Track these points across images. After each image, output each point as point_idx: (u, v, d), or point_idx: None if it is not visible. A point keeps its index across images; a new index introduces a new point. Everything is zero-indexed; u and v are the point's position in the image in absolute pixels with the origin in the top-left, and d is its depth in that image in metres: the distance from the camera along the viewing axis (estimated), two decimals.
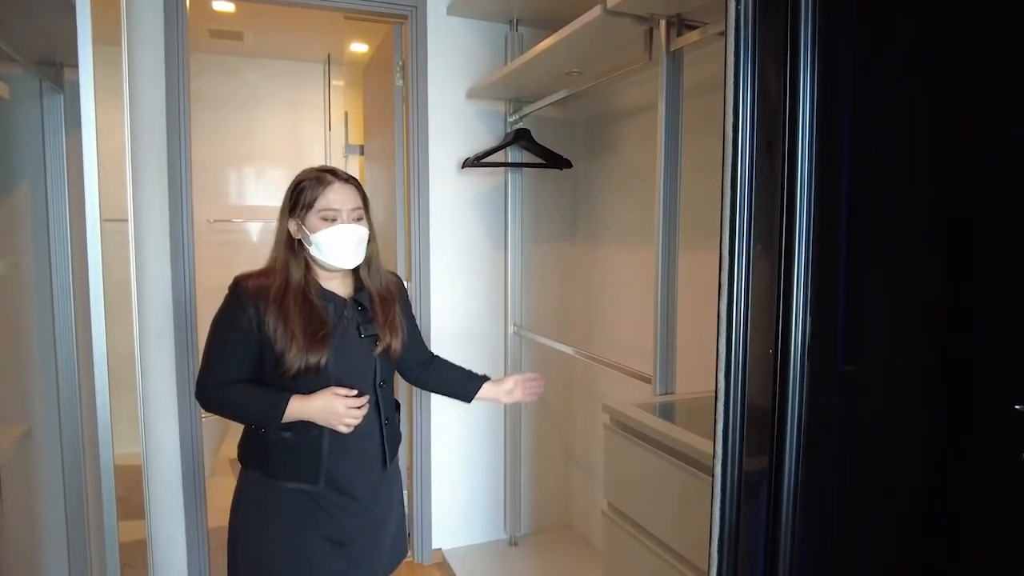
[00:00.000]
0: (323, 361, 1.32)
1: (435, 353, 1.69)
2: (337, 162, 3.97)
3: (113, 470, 1.49)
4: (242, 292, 1.34)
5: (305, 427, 1.35)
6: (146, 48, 2.07)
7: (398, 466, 1.56)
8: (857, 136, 0.92)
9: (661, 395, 1.66)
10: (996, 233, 0.89)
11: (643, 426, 1.42)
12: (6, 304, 1.88)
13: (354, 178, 1.41)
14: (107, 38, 1.57)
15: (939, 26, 0.92)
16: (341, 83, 4.02)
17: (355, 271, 1.44)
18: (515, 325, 2.59)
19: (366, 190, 1.43)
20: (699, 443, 1.23)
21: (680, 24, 1.56)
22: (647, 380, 1.72)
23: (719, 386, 0.95)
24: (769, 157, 0.91)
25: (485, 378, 1.64)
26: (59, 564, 2.00)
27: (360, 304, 1.42)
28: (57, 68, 1.89)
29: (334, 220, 1.34)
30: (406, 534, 1.59)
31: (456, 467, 2.62)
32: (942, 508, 0.97)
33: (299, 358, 1.30)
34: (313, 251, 1.35)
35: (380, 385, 1.42)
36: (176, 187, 2.12)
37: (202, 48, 3.67)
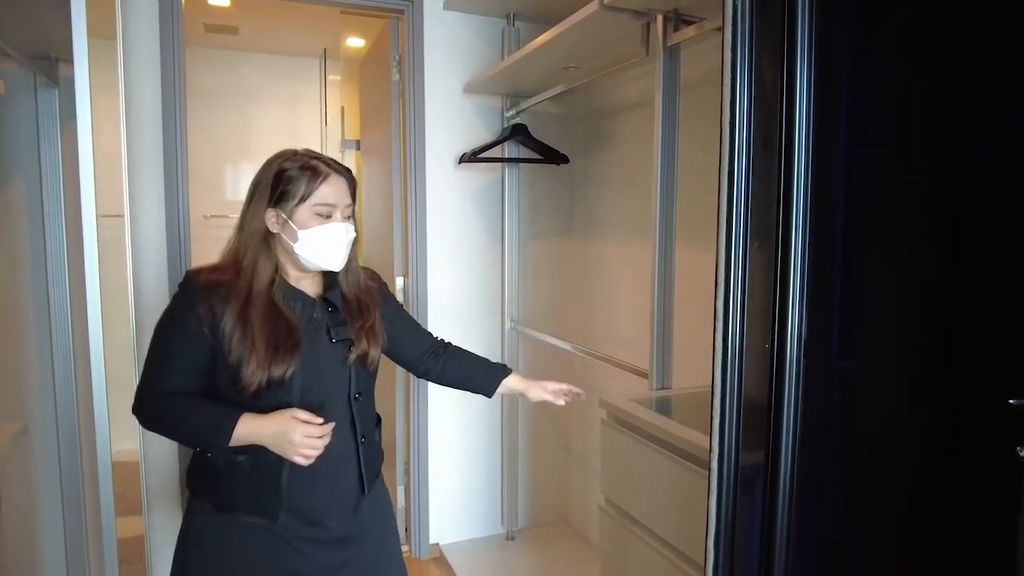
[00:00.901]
0: (288, 373, 1.13)
1: (446, 341, 1.51)
2: (333, 157, 3.96)
3: (111, 467, 1.49)
4: (193, 289, 1.15)
5: (260, 450, 1.14)
6: (141, 43, 2.05)
7: (384, 491, 1.36)
8: (854, 132, 0.92)
9: (658, 390, 1.66)
10: (992, 230, 0.90)
11: (640, 421, 1.43)
12: (2, 301, 1.87)
13: (347, 169, 1.25)
14: (101, 32, 1.56)
15: (936, 22, 0.92)
16: (337, 78, 4.01)
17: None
18: (512, 320, 2.59)
19: (362, 185, 1.31)
20: (696, 438, 1.24)
21: (677, 19, 1.56)
22: (644, 375, 1.72)
23: (715, 381, 0.95)
24: (766, 153, 0.91)
25: (506, 369, 1.47)
26: (56, 560, 2.00)
27: (331, 304, 1.24)
28: (52, 63, 1.88)
29: (328, 216, 1.19)
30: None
31: (453, 462, 2.62)
32: (938, 502, 0.97)
33: (259, 372, 1.11)
34: (297, 247, 1.17)
35: (356, 397, 1.24)
36: (172, 182, 2.11)
37: (197, 43, 3.65)
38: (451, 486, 2.62)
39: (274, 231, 1.20)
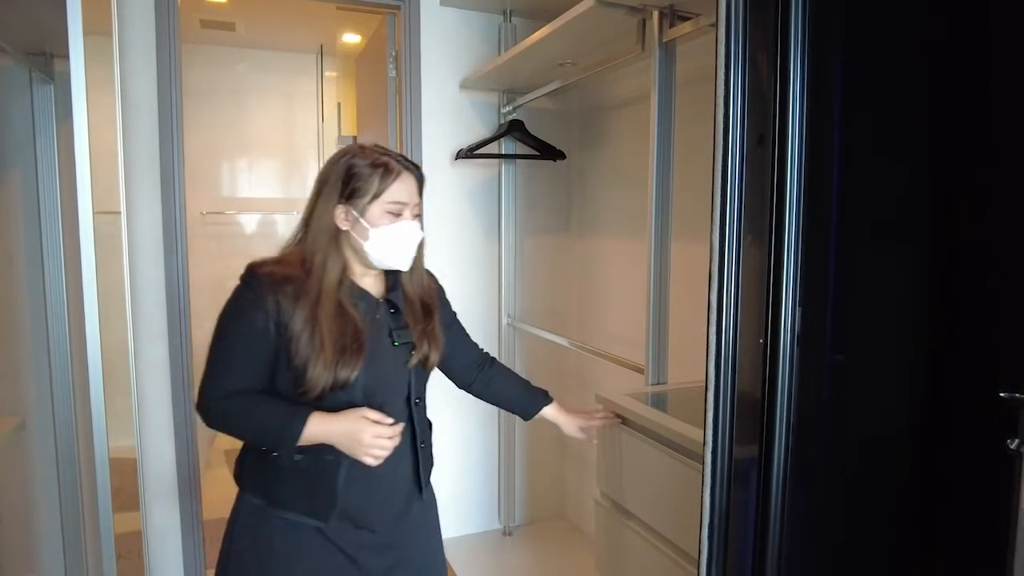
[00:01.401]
0: (353, 375, 1.11)
1: (491, 355, 1.50)
2: (330, 154, 3.96)
3: (108, 462, 1.49)
4: (259, 283, 1.11)
5: (318, 450, 1.13)
6: (136, 38, 2.05)
7: (434, 499, 1.33)
8: (847, 128, 0.93)
9: (654, 385, 1.67)
10: (984, 225, 0.90)
11: (636, 415, 1.43)
12: None
13: (417, 166, 1.21)
14: (97, 28, 1.56)
15: (931, 17, 0.92)
16: (334, 74, 4.01)
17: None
18: (508, 316, 2.60)
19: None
20: (691, 432, 1.24)
21: (673, 15, 1.56)
22: (640, 370, 1.73)
23: (709, 375, 0.96)
24: (760, 149, 0.91)
25: (547, 396, 1.47)
26: (54, 555, 2.01)
27: (393, 305, 1.22)
28: (47, 59, 1.87)
29: (399, 215, 1.16)
30: None
31: (450, 458, 2.63)
32: (930, 493, 0.98)
33: (325, 375, 1.09)
34: (367, 246, 1.14)
35: (416, 402, 1.23)
36: (168, 179, 2.11)
37: (193, 39, 3.64)
38: (448, 482, 2.63)
39: (343, 228, 1.16)
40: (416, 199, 1.19)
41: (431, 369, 1.26)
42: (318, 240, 1.14)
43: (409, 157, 2.42)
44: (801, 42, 0.88)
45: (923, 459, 1.00)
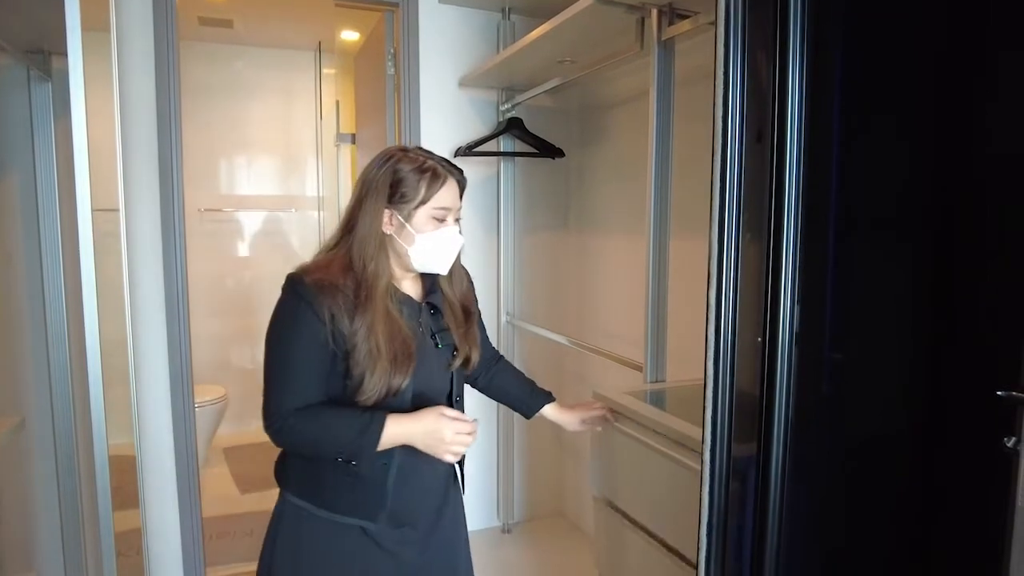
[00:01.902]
0: (405, 382, 1.11)
1: (500, 352, 1.52)
2: (328, 151, 3.95)
3: (108, 460, 1.49)
4: (311, 293, 1.07)
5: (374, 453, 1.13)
6: (134, 35, 2.05)
7: (461, 495, 1.38)
8: (846, 125, 0.93)
9: (652, 383, 1.68)
10: (982, 223, 0.91)
11: (635, 413, 1.44)
12: None
13: (460, 170, 1.20)
14: (95, 25, 1.55)
15: (930, 15, 0.92)
16: (332, 71, 4.00)
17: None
18: (508, 314, 2.60)
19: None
20: (689, 429, 1.25)
21: (672, 13, 1.56)
22: (638, 368, 1.73)
23: (708, 373, 0.96)
24: (758, 146, 0.91)
25: (549, 396, 1.48)
26: (54, 553, 2.01)
27: (434, 308, 1.23)
28: (45, 56, 1.87)
29: (443, 221, 1.16)
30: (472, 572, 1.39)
31: None
32: (927, 491, 0.99)
33: (383, 382, 1.08)
34: (412, 251, 1.14)
35: (456, 400, 1.26)
36: (167, 176, 2.11)
37: (191, 36, 3.64)
38: None
39: (387, 232, 1.16)
40: (459, 203, 1.19)
41: (472, 368, 1.28)
42: (366, 247, 1.12)
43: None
44: (800, 39, 0.88)
45: (921, 457, 1.00)
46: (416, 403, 1.15)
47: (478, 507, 2.71)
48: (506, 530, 2.69)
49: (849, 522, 1.00)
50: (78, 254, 1.41)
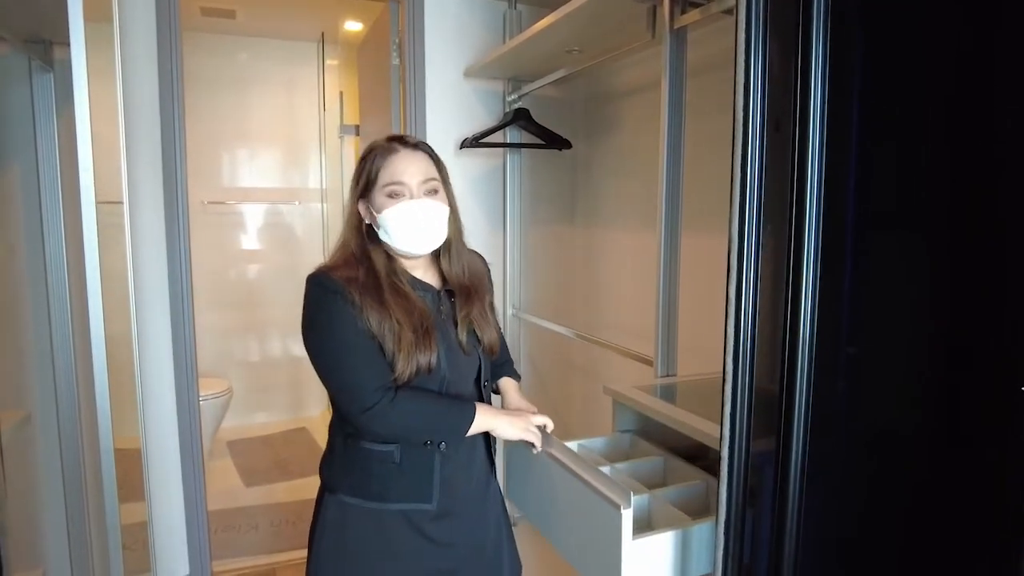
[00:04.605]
0: (434, 359, 1.13)
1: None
2: (332, 143, 3.92)
3: (113, 454, 1.49)
4: (337, 286, 1.11)
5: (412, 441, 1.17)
6: (137, 26, 2.02)
7: (498, 484, 1.39)
8: (869, 116, 0.91)
9: (663, 377, 1.66)
10: (1007, 216, 0.88)
11: (646, 408, 1.42)
12: (1, 289, 1.86)
13: (424, 143, 1.20)
14: (97, 15, 1.53)
15: (955, 7, 0.90)
16: (335, 62, 3.97)
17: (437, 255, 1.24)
18: (514, 307, 2.58)
19: None
20: (705, 426, 1.23)
21: (684, 2, 1.54)
22: (648, 362, 1.71)
23: (727, 369, 0.94)
24: (778, 136, 0.89)
25: (516, 375, 1.46)
26: (60, 547, 2.01)
27: (453, 295, 1.25)
28: (46, 46, 1.85)
29: (400, 195, 1.14)
30: (518, 556, 1.44)
31: None
32: (948, 490, 0.97)
33: (411, 360, 1.10)
34: (382, 235, 1.16)
35: (485, 384, 1.27)
36: (170, 168, 2.09)
37: (194, 26, 3.61)
38: None
39: (367, 222, 1.19)
40: (424, 174, 1.17)
41: (491, 350, 1.27)
42: (351, 237, 1.19)
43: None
44: (822, 27, 0.86)
45: (942, 453, 0.98)
46: (447, 387, 1.17)
47: None
48: (513, 523, 2.68)
49: (868, 519, 0.99)
50: (82, 247, 1.39)
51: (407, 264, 1.21)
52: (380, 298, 1.11)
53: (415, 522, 1.18)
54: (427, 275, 1.24)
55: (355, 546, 1.18)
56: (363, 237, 1.18)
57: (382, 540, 1.18)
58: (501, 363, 1.45)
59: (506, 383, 1.44)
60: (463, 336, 1.22)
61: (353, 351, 1.11)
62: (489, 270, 1.37)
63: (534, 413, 1.32)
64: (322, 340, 1.12)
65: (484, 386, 1.27)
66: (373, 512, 1.18)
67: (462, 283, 1.25)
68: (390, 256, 1.18)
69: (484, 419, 1.16)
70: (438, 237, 1.19)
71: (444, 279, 1.25)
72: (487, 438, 1.28)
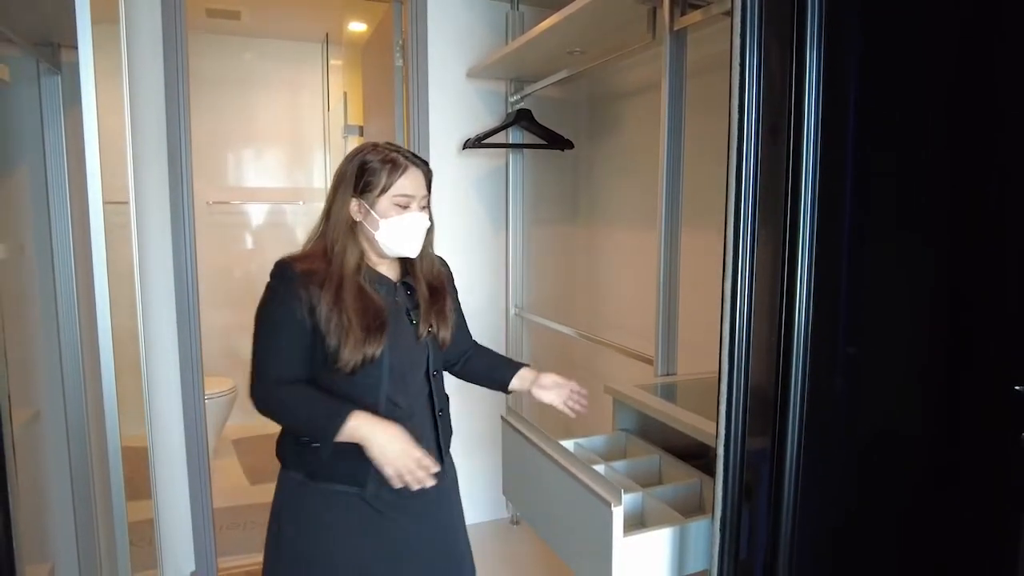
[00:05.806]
0: (379, 351, 1.22)
1: (476, 341, 1.57)
2: (336, 143, 3.94)
3: (120, 452, 1.50)
4: (291, 277, 1.21)
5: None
6: (143, 27, 2.04)
7: (453, 464, 1.45)
8: (863, 120, 0.92)
9: (663, 376, 1.67)
10: (1000, 217, 0.89)
11: (645, 407, 1.43)
12: (9, 288, 1.88)
13: (425, 161, 1.32)
14: (103, 17, 1.55)
15: (950, 9, 0.91)
16: (339, 63, 3.99)
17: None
18: (516, 307, 2.60)
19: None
20: (704, 424, 1.24)
21: (684, 3, 1.55)
22: (649, 361, 1.73)
23: (723, 367, 0.96)
24: (774, 140, 0.90)
25: (523, 365, 1.51)
26: (68, 544, 2.03)
27: (409, 288, 1.34)
28: (54, 49, 1.87)
29: (407, 207, 1.26)
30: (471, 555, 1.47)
31: (457, 447, 2.63)
32: (942, 488, 0.98)
33: (356, 352, 1.19)
34: (378, 235, 1.26)
35: (433, 374, 1.34)
36: (176, 169, 2.11)
37: (199, 27, 3.63)
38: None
39: (357, 220, 1.28)
40: (423, 192, 1.30)
41: (445, 345, 1.36)
42: (336, 232, 1.26)
43: (416, 149, 2.43)
44: (817, 31, 0.87)
45: (936, 452, 0.99)
46: (391, 373, 1.25)
47: (486, 499, 2.72)
48: (515, 521, 2.70)
49: (861, 515, 1.00)
50: (89, 247, 1.41)
51: (375, 260, 1.31)
52: (337, 295, 1.20)
53: (366, 498, 1.26)
54: (389, 271, 1.34)
55: (311, 520, 1.26)
56: (347, 234, 1.26)
57: (334, 514, 1.26)
58: (497, 364, 1.52)
59: (524, 372, 1.49)
60: (422, 328, 1.31)
61: (274, 336, 1.22)
62: (451, 273, 1.48)
63: (567, 380, 1.46)
64: (258, 321, 1.24)
65: (433, 376, 1.34)
66: (321, 490, 1.26)
67: (429, 281, 1.36)
68: (362, 254, 1.28)
69: (360, 431, 1.17)
70: (421, 244, 1.32)
71: (403, 273, 1.35)
72: (436, 431, 1.34)
